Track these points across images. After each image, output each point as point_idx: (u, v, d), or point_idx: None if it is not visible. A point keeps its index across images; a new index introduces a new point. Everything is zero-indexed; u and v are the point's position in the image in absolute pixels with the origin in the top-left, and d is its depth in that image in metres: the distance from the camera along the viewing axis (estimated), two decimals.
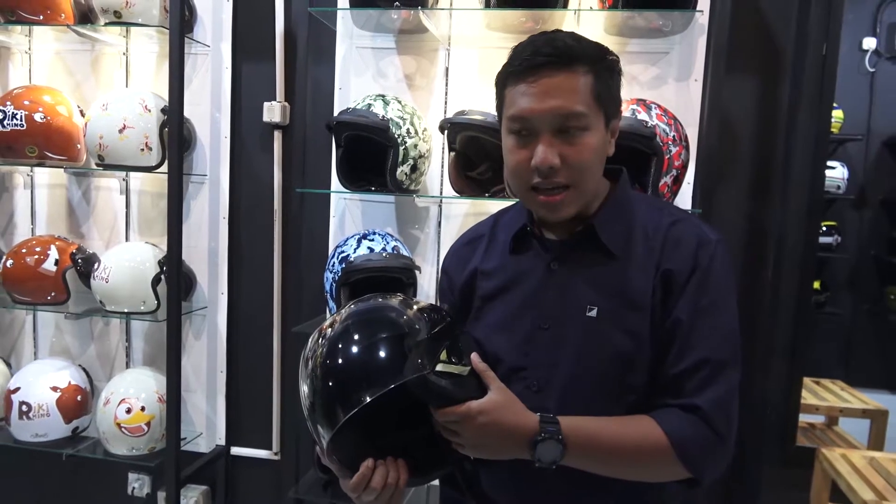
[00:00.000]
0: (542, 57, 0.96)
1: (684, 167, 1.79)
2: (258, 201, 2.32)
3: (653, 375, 1.00)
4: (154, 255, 2.17)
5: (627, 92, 1.97)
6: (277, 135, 2.28)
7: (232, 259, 2.35)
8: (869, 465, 1.68)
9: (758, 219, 2.04)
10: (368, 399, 0.91)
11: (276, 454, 2.40)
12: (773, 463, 2.03)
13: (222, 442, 2.40)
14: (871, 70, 2.50)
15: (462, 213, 2.17)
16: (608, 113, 1.02)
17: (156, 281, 2.14)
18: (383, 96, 1.94)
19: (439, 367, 0.97)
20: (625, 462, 0.98)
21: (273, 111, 2.24)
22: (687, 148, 1.80)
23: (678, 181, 1.79)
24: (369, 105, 1.90)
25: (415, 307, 1.07)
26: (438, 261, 2.17)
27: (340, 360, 0.98)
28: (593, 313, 1.01)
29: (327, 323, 1.06)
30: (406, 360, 0.96)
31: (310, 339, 1.06)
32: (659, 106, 1.78)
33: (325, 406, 0.97)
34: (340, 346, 0.99)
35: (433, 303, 1.14)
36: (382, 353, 0.97)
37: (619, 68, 1.03)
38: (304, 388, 1.01)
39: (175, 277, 2.07)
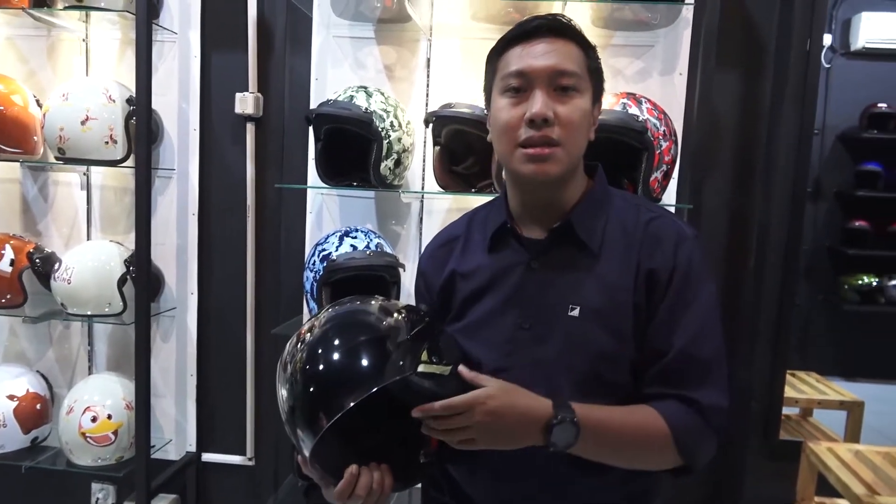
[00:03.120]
0: (539, 22, 1.01)
1: (673, 162, 1.78)
2: (230, 197, 2.22)
3: (636, 374, 1.01)
4: (120, 255, 2.05)
5: (612, 85, 1.96)
6: (250, 127, 2.18)
7: (202, 257, 2.25)
8: (855, 458, 1.70)
9: (742, 212, 2.05)
10: (351, 404, 0.90)
11: (250, 459, 2.31)
12: (758, 455, 2.04)
13: (193, 448, 2.30)
14: (827, 66, 2.55)
15: (445, 209, 2.12)
16: (595, 90, 1.04)
17: (122, 281, 2.03)
18: (365, 88, 1.86)
19: (421, 368, 0.96)
20: (629, 447, 0.98)
21: (246, 102, 2.14)
22: (676, 143, 1.78)
23: (668, 176, 1.77)
24: (351, 97, 1.83)
25: (393, 309, 1.07)
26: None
27: (321, 366, 0.96)
28: (575, 312, 1.01)
29: (305, 327, 1.04)
30: (387, 362, 0.95)
31: (288, 344, 1.04)
32: (649, 100, 1.76)
33: (306, 412, 0.95)
34: (320, 350, 0.98)
35: (411, 303, 1.11)
36: (363, 357, 0.96)
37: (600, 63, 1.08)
38: (283, 393, 0.99)
39: (144, 278, 1.96)
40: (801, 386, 2.28)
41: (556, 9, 1.90)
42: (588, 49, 1.03)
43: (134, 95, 1.94)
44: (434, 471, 1.09)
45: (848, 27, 2.51)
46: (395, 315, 1.04)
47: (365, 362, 0.95)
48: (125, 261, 2.04)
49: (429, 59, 2.06)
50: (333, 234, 1.90)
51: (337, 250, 1.83)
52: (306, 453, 0.94)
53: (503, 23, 1.98)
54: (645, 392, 1.00)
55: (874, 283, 2.53)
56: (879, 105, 2.48)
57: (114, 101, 1.97)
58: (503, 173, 1.12)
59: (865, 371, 2.42)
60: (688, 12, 1.90)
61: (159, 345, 2.25)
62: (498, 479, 1.05)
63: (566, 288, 1.02)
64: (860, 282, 2.54)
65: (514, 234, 1.08)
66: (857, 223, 2.56)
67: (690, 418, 0.97)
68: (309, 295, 1.88)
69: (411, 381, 0.95)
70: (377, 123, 1.80)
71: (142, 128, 1.91)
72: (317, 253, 1.87)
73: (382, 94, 1.87)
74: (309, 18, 2.09)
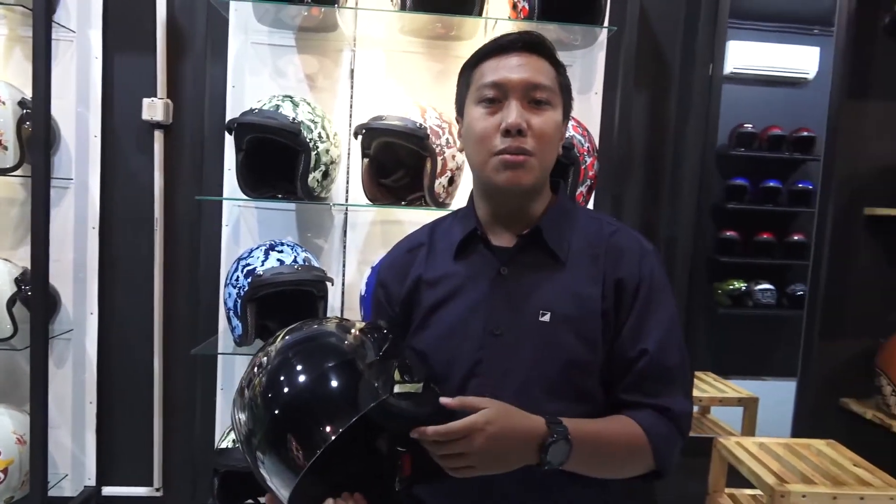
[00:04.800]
0: (514, 37, 1.04)
1: (596, 177, 1.86)
2: (135, 209, 2.07)
3: (607, 382, 1.04)
4: (9, 272, 1.86)
5: None
6: (158, 135, 2.05)
7: (103, 274, 2.08)
8: (761, 450, 1.85)
9: (652, 224, 2.17)
10: (332, 438, 0.84)
11: (157, 490, 2.15)
12: None
13: (92, 482, 2.11)
14: None
15: (369, 222, 2.09)
16: (565, 106, 1.08)
17: (11, 302, 1.84)
18: (291, 97, 1.80)
19: (397, 389, 0.91)
20: (614, 459, 1.00)
21: (154, 109, 2.01)
22: (598, 159, 1.87)
23: (591, 190, 1.85)
24: (277, 106, 1.76)
25: (353, 328, 1.02)
26: (345, 272, 2.07)
27: (291, 398, 0.89)
28: (546, 318, 1.02)
29: (263, 354, 0.97)
30: (360, 387, 0.90)
31: (245, 374, 0.96)
32: (573, 118, 1.83)
33: (279, 448, 0.87)
34: (286, 379, 0.91)
35: (366, 321, 1.07)
36: (335, 384, 0.90)
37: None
38: (245, 425, 0.91)
39: (41, 298, 1.79)
40: (701, 385, 2.44)
41: (480, 27, 1.94)
42: (559, 66, 1.07)
43: (27, 98, 1.77)
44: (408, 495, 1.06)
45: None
46: (359, 335, 0.99)
47: (338, 389, 0.90)
48: (16, 279, 1.85)
49: (353, 70, 2.03)
50: (257, 248, 1.82)
51: (263, 265, 1.76)
52: (285, 494, 0.87)
53: (430, 37, 2.00)
54: (619, 398, 1.03)
55: (743, 288, 2.78)
56: (745, 125, 2.74)
57: (3, 103, 1.79)
58: (474, 182, 1.13)
59: (737, 368, 2.65)
60: (604, 36, 2.00)
61: (53, 371, 2.04)
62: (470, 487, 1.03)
63: (536, 294, 1.04)
64: (731, 287, 2.79)
65: (484, 241, 1.09)
66: (727, 233, 2.80)
67: (664, 426, 1.01)
68: (231, 312, 1.79)
69: (389, 403, 0.91)
70: (305, 134, 1.75)
71: (39, 133, 1.75)
72: (240, 268, 1.78)
73: (309, 104, 1.82)
74: (224, 22, 2.00)
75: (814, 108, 2.29)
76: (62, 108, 1.99)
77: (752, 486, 1.73)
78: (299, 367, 0.92)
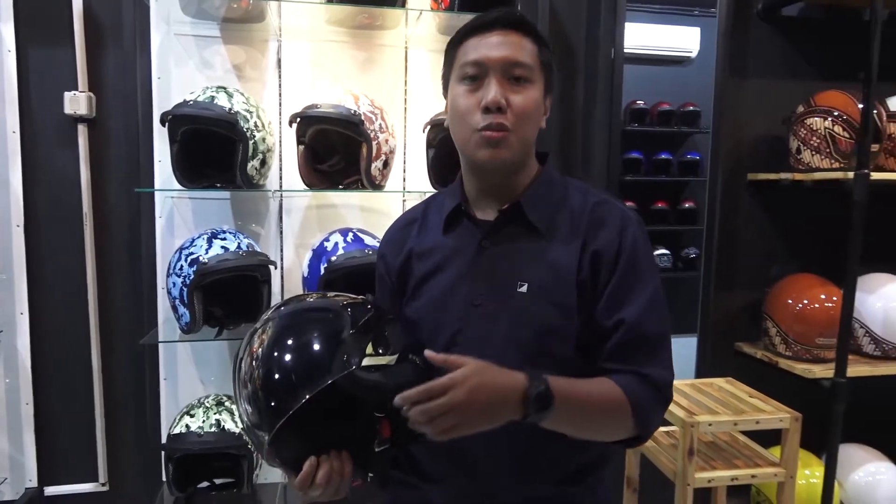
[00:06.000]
0: (496, 14, 1.06)
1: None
2: (62, 204, 2.05)
3: (588, 351, 1.06)
4: None
5: None
6: (83, 129, 2.03)
7: (31, 273, 2.04)
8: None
9: None
10: (300, 403, 0.93)
11: (104, 485, 2.15)
12: None
13: (33, 483, 2.09)
14: None
15: (304, 206, 2.16)
16: (547, 83, 1.10)
17: None
18: (225, 88, 1.84)
19: (366, 361, 0.98)
20: (595, 417, 1.02)
21: (77, 102, 1.98)
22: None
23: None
24: (212, 97, 1.80)
25: (336, 304, 1.08)
26: (283, 256, 2.14)
27: (270, 369, 0.98)
28: (524, 289, 1.06)
29: (258, 328, 1.06)
30: (333, 359, 0.97)
31: (240, 347, 1.05)
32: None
33: (260, 414, 0.98)
34: (270, 353, 1.00)
35: (354, 296, 1.14)
36: (309, 355, 0.99)
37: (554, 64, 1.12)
38: (244, 402, 1.01)
39: None
40: None
41: (401, 17, 2.03)
42: (542, 44, 1.08)
43: None
44: (392, 454, 1.09)
45: None
46: (340, 309, 1.06)
47: (310, 360, 0.98)
48: None
49: (280, 60, 2.08)
50: (199, 237, 1.86)
51: (207, 253, 1.80)
52: (266, 441, 0.96)
53: (353, 26, 2.08)
54: (600, 367, 1.05)
55: None
56: (638, 102, 2.96)
57: None
58: (461, 158, 1.15)
59: None
60: None
61: None
62: (458, 457, 1.08)
63: (515, 266, 1.08)
64: None
65: (468, 215, 1.14)
66: (626, 204, 3.05)
67: (646, 390, 1.02)
68: (178, 301, 1.82)
69: (357, 375, 0.98)
70: (241, 124, 1.80)
71: None
72: (183, 257, 1.82)
73: (243, 94, 1.87)
74: (145, 13, 1.99)
75: (697, 85, 2.47)
76: None
77: (666, 424, 1.96)
78: (280, 342, 1.01)
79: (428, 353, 0.94)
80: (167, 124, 1.78)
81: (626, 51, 2.49)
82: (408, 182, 2.16)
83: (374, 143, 1.85)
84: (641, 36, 2.80)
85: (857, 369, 2.17)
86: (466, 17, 1.98)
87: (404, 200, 2.17)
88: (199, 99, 1.80)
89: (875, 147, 2.12)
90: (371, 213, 2.19)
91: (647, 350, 1.04)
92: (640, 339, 1.04)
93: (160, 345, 2.06)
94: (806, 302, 2.26)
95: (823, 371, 2.14)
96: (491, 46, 1.05)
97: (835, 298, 2.17)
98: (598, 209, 1.10)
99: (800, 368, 2.20)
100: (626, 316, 1.04)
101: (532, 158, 1.14)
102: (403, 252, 1.19)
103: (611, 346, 1.05)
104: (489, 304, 1.08)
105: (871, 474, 2.35)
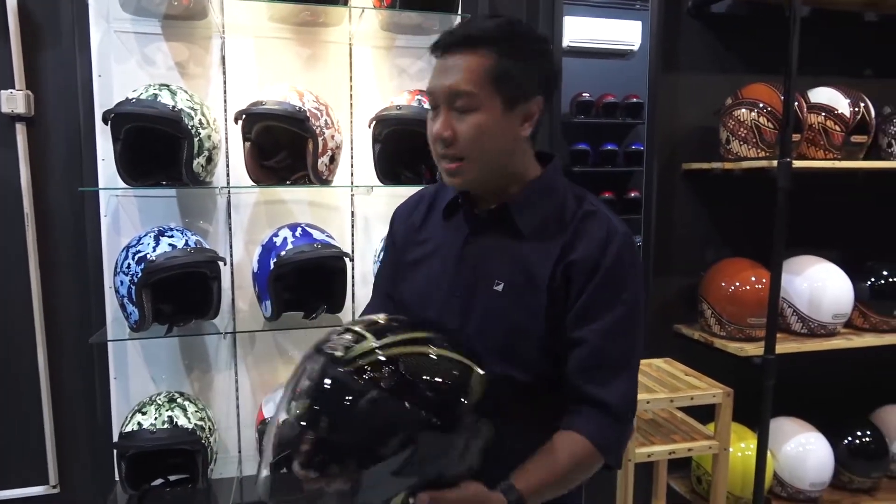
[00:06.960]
0: (448, 37, 1.04)
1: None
2: (2, 205, 2.01)
3: (547, 350, 1.08)
4: None
5: (399, 83, 2.20)
6: (21, 128, 1.99)
7: None
8: None
9: None
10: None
11: (54, 487, 2.13)
12: None
13: None
14: None
15: (252, 203, 2.17)
16: (511, 96, 1.03)
17: None
18: (168, 86, 1.85)
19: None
20: (569, 480, 1.06)
21: (15, 101, 1.95)
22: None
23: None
24: (155, 95, 1.80)
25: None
26: (232, 252, 2.15)
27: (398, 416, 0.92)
28: (499, 288, 1.08)
29: (384, 357, 0.95)
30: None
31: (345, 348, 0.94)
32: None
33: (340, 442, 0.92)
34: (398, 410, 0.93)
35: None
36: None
37: (536, 50, 1.06)
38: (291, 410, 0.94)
39: None
40: None
41: (345, 14, 2.06)
42: (501, 52, 1.01)
43: None
44: None
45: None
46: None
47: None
48: None
49: (223, 57, 2.08)
50: (145, 234, 1.86)
51: (154, 251, 1.81)
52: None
53: (296, 23, 2.10)
54: (565, 377, 1.08)
55: None
56: (584, 94, 3.05)
57: None
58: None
59: None
60: (457, 21, 2.20)
61: None
62: None
63: (495, 264, 1.10)
64: None
65: (463, 209, 1.16)
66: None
67: (608, 426, 1.05)
68: (126, 299, 1.82)
69: None
70: (186, 121, 1.81)
71: None
72: (130, 255, 1.82)
73: (186, 91, 1.87)
74: (83, 9, 1.96)
75: (640, 77, 2.55)
76: None
77: None
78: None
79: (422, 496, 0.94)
80: (110, 123, 1.78)
81: (571, 45, 2.55)
82: (355, 177, 2.20)
83: (319, 138, 1.89)
84: (586, 30, 2.88)
85: (785, 346, 2.29)
86: (409, 15, 2.07)
87: (352, 195, 2.21)
88: (142, 97, 1.80)
89: (797, 137, 2.25)
90: (319, 209, 2.21)
91: (607, 370, 1.05)
92: (601, 358, 1.05)
93: (109, 343, 2.05)
94: (738, 284, 2.38)
95: (755, 349, 2.25)
96: (438, 74, 1.04)
97: (764, 280, 2.29)
98: (585, 220, 1.09)
99: (733, 347, 2.32)
100: (590, 332, 1.05)
101: (522, 165, 1.12)
102: (408, 223, 1.24)
103: (572, 361, 1.06)
104: (466, 299, 1.11)
105: (802, 445, 2.49)
